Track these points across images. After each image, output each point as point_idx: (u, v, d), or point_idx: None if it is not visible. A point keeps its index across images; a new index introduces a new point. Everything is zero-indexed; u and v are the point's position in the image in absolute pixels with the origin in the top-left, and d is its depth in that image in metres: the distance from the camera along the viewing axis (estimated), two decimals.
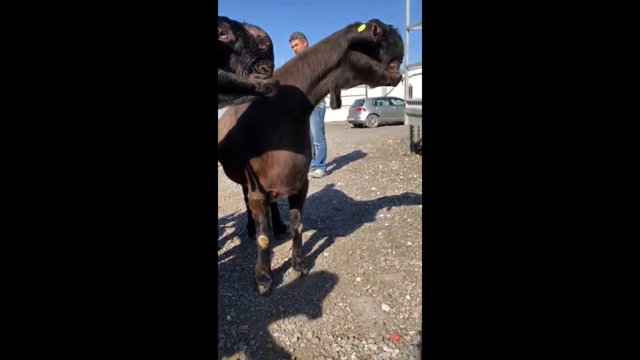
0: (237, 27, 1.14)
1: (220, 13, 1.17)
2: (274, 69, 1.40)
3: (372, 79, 1.53)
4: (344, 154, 6.11)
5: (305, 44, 3.77)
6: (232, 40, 1.14)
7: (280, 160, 1.62)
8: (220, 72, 1.13)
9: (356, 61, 1.49)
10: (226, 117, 1.93)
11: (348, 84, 1.58)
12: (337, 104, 1.60)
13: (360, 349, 1.37)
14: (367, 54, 1.47)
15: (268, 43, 1.18)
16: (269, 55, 1.19)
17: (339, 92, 1.61)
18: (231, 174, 2.02)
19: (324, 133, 4.34)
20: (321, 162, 4.40)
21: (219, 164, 2.06)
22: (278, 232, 2.52)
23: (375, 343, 1.39)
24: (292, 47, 3.83)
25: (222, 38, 1.12)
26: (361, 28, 1.41)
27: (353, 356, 1.33)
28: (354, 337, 1.44)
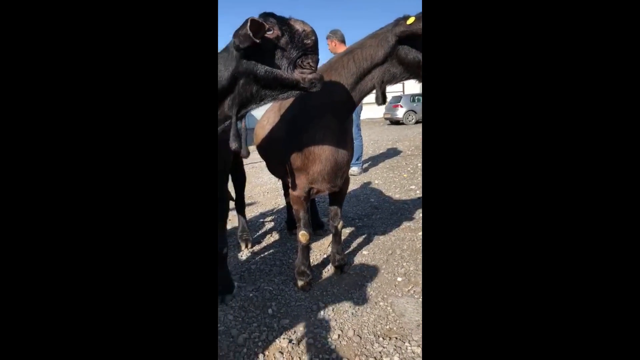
0: (283, 23, 1.14)
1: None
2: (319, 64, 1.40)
3: (421, 73, 1.48)
4: (381, 151, 6.02)
5: (335, 43, 3.73)
6: (278, 35, 1.14)
7: (322, 157, 1.61)
8: (265, 68, 1.15)
9: (404, 56, 1.44)
10: (269, 113, 1.95)
11: (395, 80, 1.54)
12: (382, 100, 1.57)
13: (403, 351, 1.34)
14: (416, 48, 1.43)
15: (313, 38, 1.17)
16: (314, 50, 1.18)
17: (385, 88, 1.58)
18: (273, 170, 2.05)
19: (359, 130, 4.30)
20: (357, 160, 4.36)
21: (261, 159, 2.10)
22: (316, 228, 2.53)
23: (419, 346, 1.35)
24: (328, 45, 3.83)
25: (269, 34, 1.13)
26: (410, 21, 1.36)
27: (396, 358, 1.31)
28: (396, 338, 1.41)
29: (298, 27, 1.16)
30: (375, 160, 5.30)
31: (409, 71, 1.48)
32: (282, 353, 1.37)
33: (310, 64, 1.18)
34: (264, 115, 2.05)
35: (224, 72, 1.17)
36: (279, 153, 1.78)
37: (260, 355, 1.36)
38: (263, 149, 1.98)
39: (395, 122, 12.40)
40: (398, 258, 2.08)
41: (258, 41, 1.06)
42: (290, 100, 1.71)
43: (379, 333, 1.45)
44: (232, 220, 2.73)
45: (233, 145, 1.29)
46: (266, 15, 1.14)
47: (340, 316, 1.58)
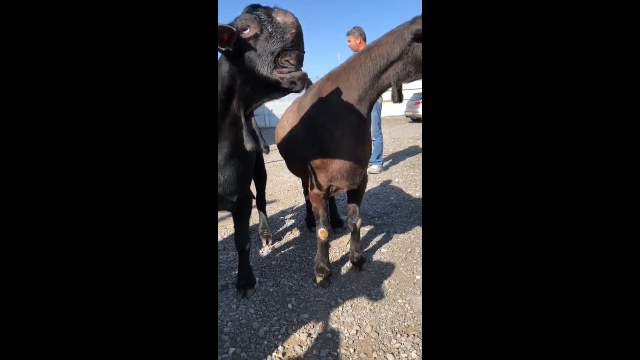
0: (266, 16, 1.02)
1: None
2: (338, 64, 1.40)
3: None
4: (402, 149, 5.96)
5: (359, 40, 3.72)
6: (257, 33, 1.03)
7: (340, 154, 1.63)
8: (248, 69, 1.08)
9: (419, 55, 1.44)
10: (289, 113, 2.00)
11: (409, 78, 1.54)
12: (398, 97, 1.57)
13: (421, 348, 1.34)
14: None
15: (293, 31, 1.02)
16: (295, 44, 1.03)
17: (401, 86, 1.58)
18: (293, 168, 2.09)
19: (380, 128, 4.28)
20: (377, 158, 4.34)
21: (282, 158, 2.14)
22: (335, 226, 2.55)
23: None
24: (348, 42, 3.82)
25: (245, 34, 1.03)
26: None
27: (413, 354, 1.31)
28: (414, 335, 1.42)
29: (279, 19, 1.02)
30: (395, 158, 5.26)
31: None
32: (301, 346, 1.41)
33: (290, 61, 1.04)
34: (284, 116, 2.09)
35: (225, 73, 1.18)
36: (298, 152, 1.81)
37: (280, 348, 1.40)
38: (283, 148, 2.03)
39: (417, 119, 12.21)
40: (417, 256, 2.08)
41: (227, 48, 1.03)
42: (309, 99, 1.74)
43: (396, 329, 1.46)
44: (253, 217, 2.80)
45: (248, 146, 1.29)
46: (252, 8, 1.05)
47: (358, 312, 1.60)
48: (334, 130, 1.61)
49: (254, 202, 2.47)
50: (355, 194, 1.90)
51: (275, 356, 1.36)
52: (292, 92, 1.11)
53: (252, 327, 1.54)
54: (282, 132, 1.98)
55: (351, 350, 1.37)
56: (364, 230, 2.54)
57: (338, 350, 1.37)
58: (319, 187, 1.75)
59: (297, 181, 4.12)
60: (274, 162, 5.40)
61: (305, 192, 2.59)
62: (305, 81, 1.06)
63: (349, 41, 3.80)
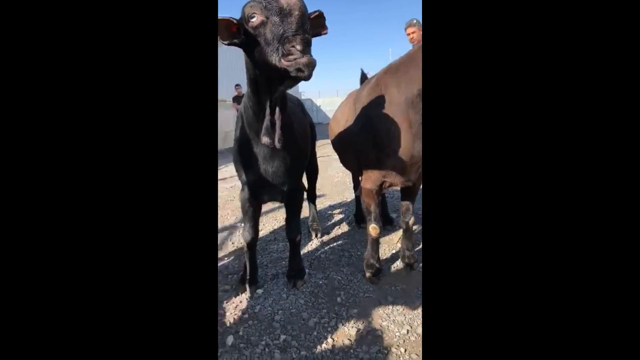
0: (273, 1, 0.98)
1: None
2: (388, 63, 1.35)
3: None
4: None
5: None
6: (263, 21, 0.99)
7: (397, 150, 1.59)
8: (259, 60, 1.06)
9: None
10: (344, 108, 1.99)
11: None
12: None
13: None
14: None
15: (296, 12, 0.96)
16: (299, 27, 0.96)
17: None
18: (346, 163, 2.08)
19: None
20: None
21: (328, 154, 2.14)
22: (384, 223, 2.51)
23: None
24: (408, 34, 3.68)
25: (252, 22, 1.01)
26: None
27: None
28: None
29: (283, 1, 0.96)
30: None
31: None
32: (350, 341, 1.40)
33: (296, 47, 0.96)
34: (338, 110, 2.09)
35: (248, 64, 1.19)
36: (352, 145, 1.80)
37: (330, 340, 1.41)
38: (337, 142, 2.03)
39: None
40: None
41: (235, 40, 1.04)
42: (366, 93, 1.72)
43: None
44: (303, 210, 2.85)
45: (263, 139, 1.27)
46: None
47: (409, 312, 1.56)
48: (390, 124, 1.57)
49: (305, 194, 2.52)
50: (410, 192, 1.85)
51: (324, 347, 1.37)
52: (300, 80, 1.03)
53: (302, 317, 1.57)
54: (336, 125, 1.98)
55: (402, 349, 1.34)
56: (415, 229, 2.46)
57: (388, 348, 1.35)
58: (372, 182, 1.72)
59: (345, 177, 4.11)
60: (321, 158, 5.43)
61: (356, 187, 2.58)
62: (311, 67, 0.98)
63: (412, 33, 3.61)
